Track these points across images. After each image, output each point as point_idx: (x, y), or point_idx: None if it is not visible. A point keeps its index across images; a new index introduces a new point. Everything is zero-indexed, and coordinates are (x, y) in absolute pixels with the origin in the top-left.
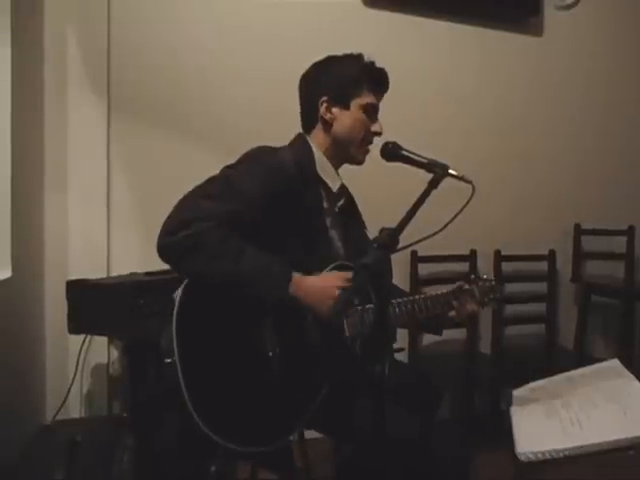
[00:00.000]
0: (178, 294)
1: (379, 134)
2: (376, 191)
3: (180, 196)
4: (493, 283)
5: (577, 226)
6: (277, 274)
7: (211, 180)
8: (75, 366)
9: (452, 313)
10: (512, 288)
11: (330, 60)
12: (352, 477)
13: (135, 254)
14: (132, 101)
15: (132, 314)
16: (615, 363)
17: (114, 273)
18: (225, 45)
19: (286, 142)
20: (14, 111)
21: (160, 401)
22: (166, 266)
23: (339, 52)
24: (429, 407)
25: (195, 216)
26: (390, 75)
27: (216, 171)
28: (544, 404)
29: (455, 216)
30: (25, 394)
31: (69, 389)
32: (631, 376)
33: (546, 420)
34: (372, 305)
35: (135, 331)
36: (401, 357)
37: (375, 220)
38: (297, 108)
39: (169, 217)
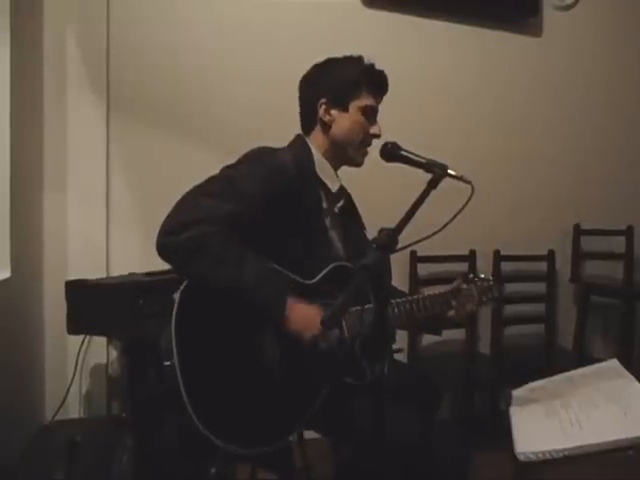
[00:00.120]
0: (177, 296)
1: (378, 136)
2: (375, 191)
3: (180, 196)
4: (491, 282)
5: (576, 226)
6: (275, 294)
7: (211, 179)
8: (74, 366)
9: (451, 313)
10: (511, 288)
11: (330, 62)
12: (352, 478)
13: (134, 254)
14: (132, 101)
15: (131, 314)
16: (614, 363)
17: (113, 273)
18: (225, 45)
19: (286, 142)
20: (13, 111)
21: (160, 401)
22: (166, 266)
23: (338, 52)
24: (429, 407)
25: (196, 216)
26: (389, 75)
27: (216, 171)
28: (544, 404)
29: (454, 216)
30: (24, 394)
31: (68, 389)
32: (631, 376)
33: (546, 420)
34: (371, 305)
35: (134, 331)
36: (401, 358)
37: (374, 220)
38: (297, 108)
39: (169, 216)
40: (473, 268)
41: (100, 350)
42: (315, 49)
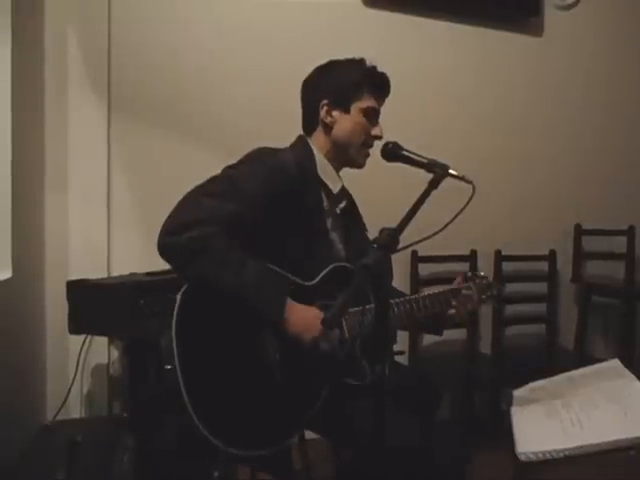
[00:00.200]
0: (177, 300)
1: (379, 138)
2: (377, 191)
3: (180, 196)
4: (490, 280)
5: (577, 226)
6: (274, 296)
7: (213, 179)
8: (75, 366)
9: (451, 312)
10: (512, 288)
11: (332, 64)
12: (352, 479)
13: (135, 254)
14: (132, 101)
15: (132, 314)
16: (616, 363)
17: (114, 273)
18: (225, 45)
19: (286, 142)
20: (14, 111)
21: (160, 402)
22: (166, 266)
23: (339, 52)
24: (429, 408)
25: (198, 217)
26: (390, 75)
27: (216, 171)
28: (544, 404)
29: (455, 216)
30: (25, 394)
31: (69, 389)
32: (632, 376)
33: (546, 420)
34: (372, 305)
35: (135, 331)
36: (401, 358)
37: (375, 220)
38: (297, 108)
39: (170, 216)
40: (474, 268)
41: (101, 350)
42: (315, 49)
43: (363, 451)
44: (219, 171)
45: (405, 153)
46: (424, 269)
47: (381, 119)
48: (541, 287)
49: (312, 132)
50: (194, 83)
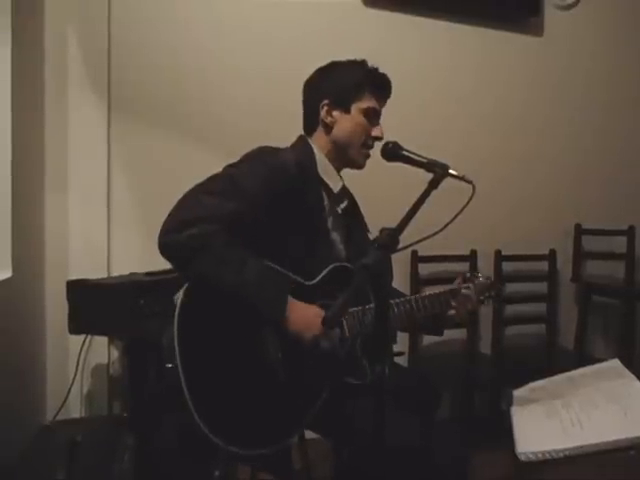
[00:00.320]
0: (179, 296)
1: (380, 139)
2: (376, 191)
3: (180, 196)
4: (489, 281)
5: (577, 226)
6: (275, 295)
7: (214, 178)
8: (75, 366)
9: (451, 312)
10: (512, 288)
11: (333, 65)
12: (351, 479)
13: (135, 254)
14: (132, 101)
15: (132, 314)
16: (616, 363)
17: (114, 273)
18: (225, 45)
19: (286, 142)
20: (14, 111)
21: (161, 401)
22: (166, 266)
23: (339, 52)
24: (429, 408)
25: (198, 215)
26: (390, 75)
27: (216, 171)
28: (544, 404)
29: (455, 216)
30: (25, 394)
31: (69, 389)
32: (632, 376)
33: (546, 420)
34: (372, 305)
35: (135, 331)
36: (401, 358)
37: (375, 220)
38: (297, 108)
39: (171, 214)
40: (474, 268)
41: (101, 350)
42: (315, 49)
43: (363, 451)
44: (221, 170)
45: (405, 153)
46: (424, 269)
47: (381, 119)
48: (541, 287)
49: (312, 132)
50: (194, 83)
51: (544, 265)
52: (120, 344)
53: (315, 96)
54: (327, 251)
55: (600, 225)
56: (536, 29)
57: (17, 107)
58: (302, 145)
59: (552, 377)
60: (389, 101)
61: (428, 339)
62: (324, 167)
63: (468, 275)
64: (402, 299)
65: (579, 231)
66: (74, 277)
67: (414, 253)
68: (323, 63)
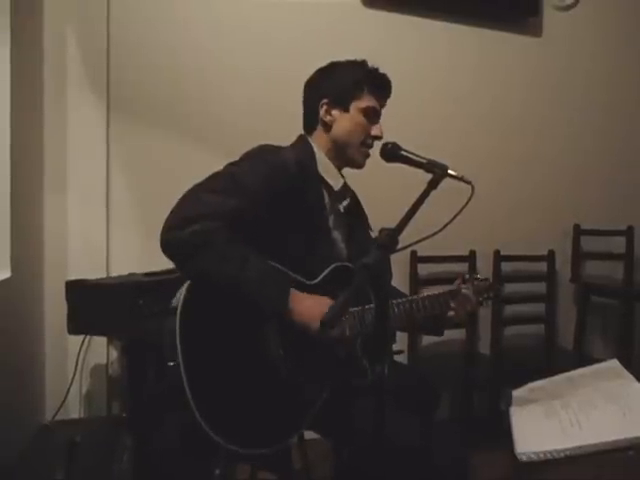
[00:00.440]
0: (181, 295)
1: (379, 138)
2: (376, 191)
3: (180, 196)
4: (488, 282)
5: (576, 226)
6: (277, 288)
7: (215, 176)
8: (74, 366)
9: (451, 313)
10: (511, 288)
11: (333, 65)
12: (351, 479)
13: (134, 254)
14: (131, 101)
15: (131, 314)
16: (614, 363)
17: (113, 273)
18: (224, 45)
19: (285, 142)
20: (13, 111)
21: (160, 401)
22: (165, 266)
23: (338, 52)
24: (428, 408)
25: (200, 212)
26: (389, 75)
27: (215, 171)
28: (543, 404)
29: (455, 216)
30: (24, 394)
31: (68, 389)
32: (631, 377)
33: (545, 420)
34: (372, 305)
35: (134, 331)
36: (401, 358)
37: (375, 220)
38: (296, 108)
39: (172, 212)
40: (473, 268)
41: (100, 350)
42: (314, 49)
43: (363, 451)
44: (222, 168)
45: (404, 153)
46: (423, 269)
47: (380, 119)
48: (540, 287)
49: (312, 131)
50: (193, 83)
51: (543, 265)
52: (119, 344)
53: (315, 95)
54: (328, 250)
55: (599, 225)
56: (535, 29)
57: (16, 107)
58: (302, 144)
59: (551, 377)
60: (388, 101)
61: (427, 339)
62: (324, 165)
63: (467, 276)
64: (402, 299)
65: (578, 231)
66: (73, 277)
67: (413, 253)
68: (322, 63)
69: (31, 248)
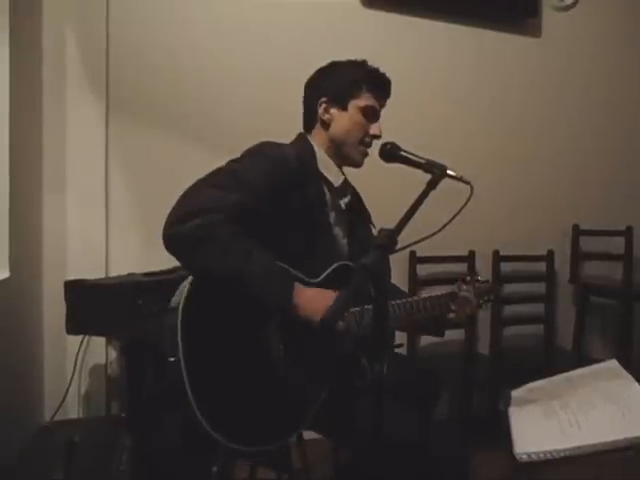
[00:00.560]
0: (184, 289)
1: (378, 137)
2: (375, 192)
3: (179, 196)
4: (489, 284)
5: (575, 227)
6: (281, 282)
7: (217, 172)
8: (73, 366)
9: (451, 315)
10: (510, 289)
11: (333, 65)
12: (351, 479)
13: (134, 254)
14: (131, 101)
15: (130, 314)
16: (613, 364)
17: (112, 273)
18: (223, 45)
19: (284, 141)
20: (12, 111)
21: (159, 401)
22: (164, 266)
23: (337, 52)
24: (427, 402)
25: (202, 206)
26: (388, 75)
27: None
28: (542, 405)
29: (454, 217)
30: (23, 394)
31: (67, 389)
32: (630, 377)
33: (544, 420)
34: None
35: (133, 331)
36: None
37: (374, 220)
38: (295, 108)
39: (175, 207)
40: (472, 269)
41: (99, 350)
42: (314, 49)
43: (363, 451)
44: (224, 164)
45: (403, 154)
46: (422, 270)
47: (379, 119)
48: (539, 287)
49: (311, 129)
50: (192, 83)
51: (542, 266)
52: (118, 344)
53: (314, 94)
54: (329, 246)
55: (598, 226)
56: (534, 30)
57: (15, 107)
58: (302, 141)
59: (550, 377)
60: (387, 101)
61: (426, 339)
62: (324, 162)
63: (469, 278)
64: (402, 300)
65: (577, 232)
66: (72, 277)
67: (412, 254)
68: (321, 63)
69: (30, 248)
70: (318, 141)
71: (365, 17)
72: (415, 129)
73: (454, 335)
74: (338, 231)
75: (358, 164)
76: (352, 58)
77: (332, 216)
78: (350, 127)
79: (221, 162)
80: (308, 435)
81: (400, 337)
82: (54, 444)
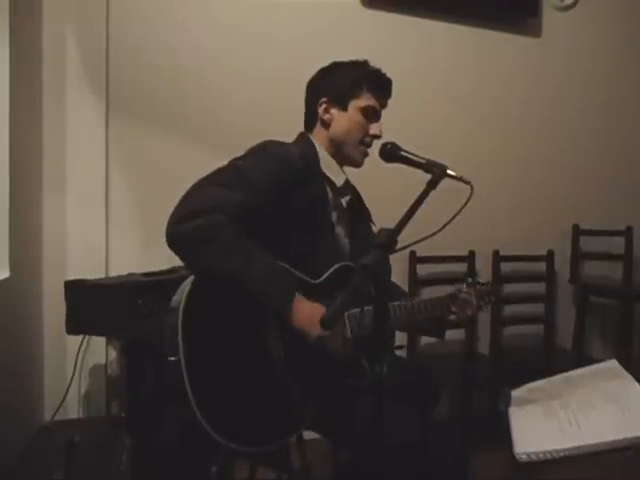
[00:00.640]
0: (186, 287)
1: (378, 137)
2: (375, 191)
3: (179, 196)
4: (490, 286)
5: (575, 227)
6: (282, 287)
7: (220, 170)
8: (73, 366)
9: (452, 317)
10: (510, 289)
11: (334, 65)
12: (350, 479)
13: (134, 254)
14: (131, 101)
15: (130, 314)
16: (613, 364)
17: (112, 273)
18: (223, 45)
19: (285, 141)
20: (12, 111)
21: (159, 401)
22: (164, 266)
23: (337, 52)
24: (427, 403)
25: (205, 205)
26: (388, 75)
27: None
28: (542, 404)
29: (454, 217)
30: (23, 394)
31: (67, 389)
32: (630, 377)
33: (544, 420)
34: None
35: (133, 331)
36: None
37: (374, 220)
38: (295, 108)
39: (177, 206)
40: (472, 269)
41: (99, 350)
42: (314, 49)
43: (363, 451)
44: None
45: (403, 154)
46: (422, 270)
47: (380, 119)
48: (539, 287)
49: (312, 129)
50: (192, 83)
51: (542, 266)
52: (118, 344)
53: (315, 94)
54: (331, 245)
55: (598, 226)
56: (534, 30)
57: (15, 107)
58: (304, 141)
59: (550, 377)
60: (387, 102)
61: (426, 339)
62: (327, 162)
63: (470, 280)
64: (402, 301)
65: (577, 232)
66: (72, 277)
67: (412, 254)
68: (321, 64)
69: (30, 248)
70: (319, 141)
71: (365, 17)
72: (415, 129)
73: (454, 335)
74: (340, 230)
75: (358, 164)
76: (353, 58)
77: (334, 215)
78: (350, 127)
79: (221, 162)
80: (308, 435)
81: (400, 338)
82: (54, 444)
